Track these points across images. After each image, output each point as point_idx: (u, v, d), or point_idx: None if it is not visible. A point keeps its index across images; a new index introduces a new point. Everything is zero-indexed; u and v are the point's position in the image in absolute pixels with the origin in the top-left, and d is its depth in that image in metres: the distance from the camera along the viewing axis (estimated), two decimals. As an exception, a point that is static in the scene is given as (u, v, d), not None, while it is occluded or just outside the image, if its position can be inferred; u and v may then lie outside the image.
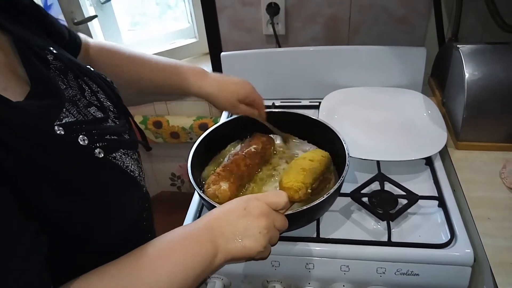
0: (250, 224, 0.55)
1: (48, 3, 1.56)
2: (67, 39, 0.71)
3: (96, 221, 0.51)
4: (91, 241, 0.51)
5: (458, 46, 0.92)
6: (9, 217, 0.40)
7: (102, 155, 0.53)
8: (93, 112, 0.58)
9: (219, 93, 0.84)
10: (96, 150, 0.52)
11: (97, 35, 1.33)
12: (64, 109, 0.52)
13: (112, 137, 0.57)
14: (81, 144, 0.50)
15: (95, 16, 1.24)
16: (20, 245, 0.40)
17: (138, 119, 1.42)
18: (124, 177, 0.57)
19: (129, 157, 0.59)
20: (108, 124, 0.59)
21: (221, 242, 0.53)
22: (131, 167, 0.59)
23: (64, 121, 0.50)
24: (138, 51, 0.84)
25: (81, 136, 0.51)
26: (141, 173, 0.62)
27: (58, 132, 0.48)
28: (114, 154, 0.56)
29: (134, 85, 0.83)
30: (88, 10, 1.26)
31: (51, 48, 0.58)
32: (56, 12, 1.57)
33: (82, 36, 0.76)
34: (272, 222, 0.56)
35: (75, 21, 1.21)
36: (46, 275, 0.42)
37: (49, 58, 0.57)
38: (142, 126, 1.43)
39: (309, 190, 0.72)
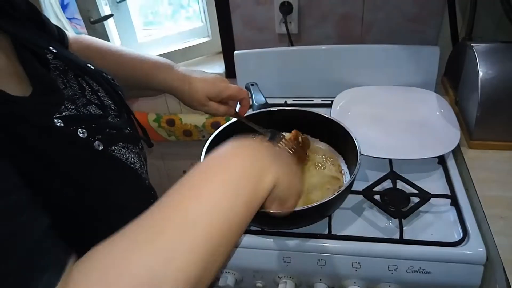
0: (290, 162, 0.50)
1: (65, 2, 1.59)
2: (57, 37, 0.71)
3: (99, 210, 0.53)
4: (98, 228, 0.52)
5: (472, 44, 0.92)
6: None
7: (102, 147, 0.54)
8: (92, 110, 0.59)
9: (184, 88, 0.77)
10: (95, 143, 0.53)
11: (112, 34, 1.35)
12: (63, 106, 0.54)
13: (111, 131, 0.58)
14: (80, 137, 0.52)
15: (111, 15, 1.26)
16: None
17: (151, 117, 1.44)
18: (124, 169, 0.59)
19: (129, 150, 0.60)
20: (107, 120, 0.60)
21: (268, 159, 0.46)
22: (131, 159, 0.60)
23: (63, 114, 0.52)
24: (111, 44, 0.81)
25: (80, 129, 0.52)
26: (142, 166, 0.63)
27: (58, 124, 0.49)
28: (113, 147, 0.57)
29: None
30: (104, 9, 1.28)
31: (51, 48, 0.59)
32: (73, 11, 1.60)
33: (67, 33, 0.76)
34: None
35: (92, 20, 1.23)
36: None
37: (49, 58, 0.58)
38: (155, 124, 1.44)
39: None
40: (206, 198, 0.40)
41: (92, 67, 0.65)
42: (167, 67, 0.78)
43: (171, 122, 1.43)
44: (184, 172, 1.60)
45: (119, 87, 0.68)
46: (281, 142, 0.80)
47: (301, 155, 0.83)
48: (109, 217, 0.54)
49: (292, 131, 0.86)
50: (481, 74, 0.86)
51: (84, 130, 0.52)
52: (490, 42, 0.92)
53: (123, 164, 0.58)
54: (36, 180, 0.45)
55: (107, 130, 0.58)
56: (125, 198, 0.57)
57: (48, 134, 0.48)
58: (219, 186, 0.41)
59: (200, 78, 0.78)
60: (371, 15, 1.15)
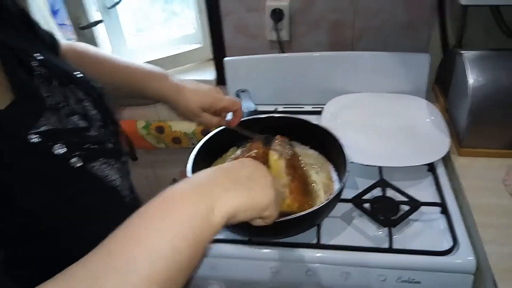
0: (254, 173, 0.48)
1: (55, 8, 1.58)
2: (48, 44, 0.70)
3: (76, 227, 0.51)
4: (72, 244, 0.50)
5: (462, 52, 0.92)
6: None
7: (80, 164, 0.52)
8: (75, 120, 0.57)
9: (177, 98, 0.76)
10: (72, 160, 0.52)
11: (102, 40, 1.34)
12: (42, 118, 0.52)
13: (92, 146, 0.57)
14: (55, 153, 0.50)
15: (101, 21, 1.25)
16: None
17: (140, 124, 1.43)
18: (104, 187, 0.57)
19: (110, 166, 0.59)
20: (90, 133, 0.58)
21: (217, 191, 0.44)
22: (111, 176, 0.58)
23: (41, 128, 0.50)
24: (104, 52, 0.79)
25: (59, 144, 0.50)
26: (124, 182, 0.62)
27: (32, 140, 0.48)
28: (93, 164, 0.55)
29: None
30: (94, 15, 1.27)
31: (37, 54, 0.57)
32: (63, 17, 1.59)
33: (59, 39, 0.74)
34: (275, 184, 0.50)
35: (81, 25, 1.22)
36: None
37: (33, 65, 0.56)
38: (144, 131, 1.43)
39: None
40: (146, 246, 0.38)
41: (80, 76, 0.63)
42: (161, 76, 0.77)
43: (160, 129, 1.42)
44: (174, 180, 1.58)
45: (106, 96, 0.67)
46: (277, 145, 0.79)
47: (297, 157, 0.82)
48: (87, 234, 0.52)
49: (276, 137, 0.84)
50: (471, 81, 0.86)
51: (63, 146, 0.51)
52: (480, 49, 0.92)
53: (102, 182, 0.57)
54: (7, 193, 0.44)
55: (88, 145, 0.56)
56: (103, 216, 0.55)
57: (22, 149, 0.47)
58: (159, 233, 0.39)
59: (194, 89, 0.77)
60: (362, 23, 1.15)
